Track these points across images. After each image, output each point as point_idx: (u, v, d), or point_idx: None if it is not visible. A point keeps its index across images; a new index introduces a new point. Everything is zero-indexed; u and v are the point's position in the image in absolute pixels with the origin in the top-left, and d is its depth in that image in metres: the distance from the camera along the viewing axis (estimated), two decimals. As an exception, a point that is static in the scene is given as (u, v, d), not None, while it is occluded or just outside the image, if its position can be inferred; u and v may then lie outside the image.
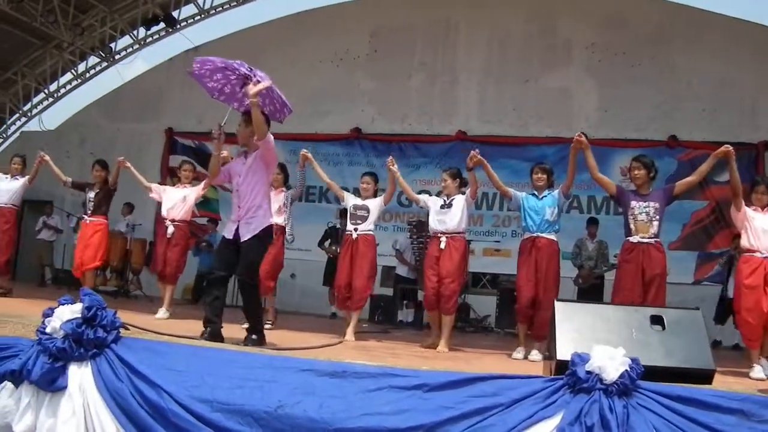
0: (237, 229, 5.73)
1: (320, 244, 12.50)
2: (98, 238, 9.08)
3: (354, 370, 3.20)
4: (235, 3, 16.62)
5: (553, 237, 7.26)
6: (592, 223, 11.82)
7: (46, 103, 18.93)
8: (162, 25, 16.86)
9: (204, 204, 15.79)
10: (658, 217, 6.67)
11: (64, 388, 3.23)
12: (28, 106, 19.04)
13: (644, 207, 6.70)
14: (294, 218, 13.33)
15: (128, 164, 8.97)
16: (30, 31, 16.79)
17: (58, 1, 15.46)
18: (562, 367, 3.77)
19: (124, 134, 16.88)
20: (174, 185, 9.54)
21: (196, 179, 15.55)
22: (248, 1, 16.58)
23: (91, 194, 9.19)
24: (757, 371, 6.26)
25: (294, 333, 7.97)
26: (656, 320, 4.13)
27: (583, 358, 3.51)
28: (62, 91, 18.73)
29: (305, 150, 8.46)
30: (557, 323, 4.05)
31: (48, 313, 3.36)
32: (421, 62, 15.08)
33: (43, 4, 15.25)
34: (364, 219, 7.92)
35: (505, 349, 7.83)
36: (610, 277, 10.94)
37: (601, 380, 3.41)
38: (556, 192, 7.35)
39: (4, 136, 19.46)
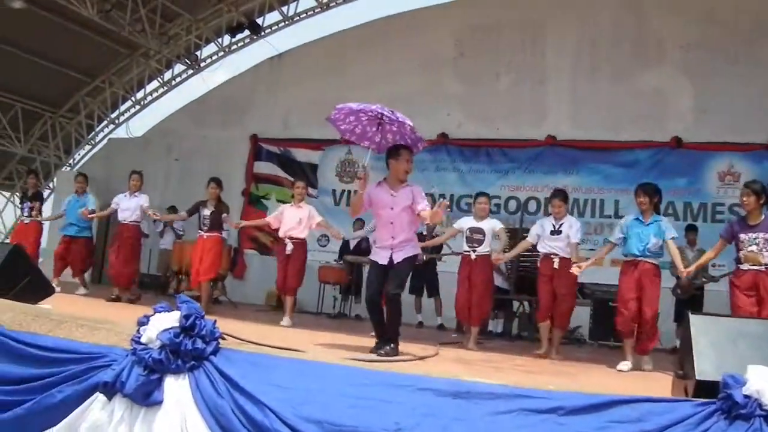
0: (391, 256, 6.24)
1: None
2: (215, 252, 9.92)
3: (478, 390, 2.86)
4: (319, 9, 16.53)
5: (656, 262, 7.37)
6: (692, 230, 11.23)
7: (133, 110, 19.20)
8: (247, 32, 16.88)
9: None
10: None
11: (160, 402, 3.00)
12: (116, 113, 19.39)
13: (753, 239, 6.79)
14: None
15: (243, 223, 10.90)
16: (117, 41, 17.09)
17: (146, 10, 15.62)
18: (703, 388, 3.41)
19: (209, 141, 16.94)
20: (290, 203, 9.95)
21: (279, 184, 15.78)
22: (332, 6, 16.43)
23: (206, 212, 9.88)
24: None
25: (363, 341, 7.68)
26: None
27: (738, 380, 3.12)
28: (149, 98, 18.96)
29: None
30: (693, 338, 3.65)
31: (143, 321, 3.15)
32: (508, 64, 14.62)
33: (131, 14, 15.42)
34: (481, 242, 8.50)
35: (604, 362, 7.82)
36: (711, 288, 10.44)
37: (760, 405, 3.04)
38: (663, 223, 7.42)
39: (93, 142, 19.81)
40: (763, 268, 6.70)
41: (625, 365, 7.11)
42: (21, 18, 15.15)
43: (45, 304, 5.75)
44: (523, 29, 14.61)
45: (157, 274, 15.12)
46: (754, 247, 6.76)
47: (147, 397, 3.00)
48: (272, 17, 17.02)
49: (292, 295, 9.68)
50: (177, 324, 3.07)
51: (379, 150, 6.77)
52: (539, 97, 14.30)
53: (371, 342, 6.73)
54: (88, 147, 19.95)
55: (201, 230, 9.95)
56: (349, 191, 15.35)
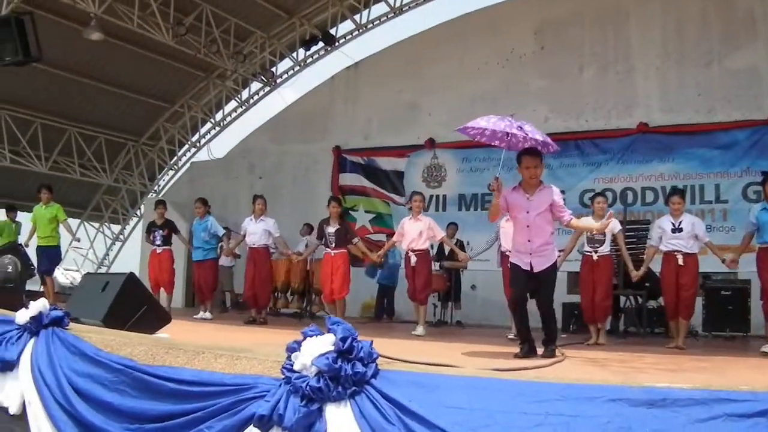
0: (530, 262, 6.28)
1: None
2: (344, 269, 10.13)
3: (675, 397, 2.56)
4: (392, 14, 16.36)
5: None
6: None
7: (213, 132, 19.35)
8: (321, 44, 16.83)
9: (377, 220, 15.65)
10: None
11: (323, 433, 2.81)
12: (196, 136, 19.58)
13: None
14: (471, 228, 13.04)
15: (381, 252, 11.00)
16: (193, 64, 17.29)
17: (219, 31, 15.71)
18: None
19: (291, 156, 16.96)
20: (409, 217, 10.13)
21: (365, 195, 15.65)
22: (405, 10, 16.25)
23: (331, 229, 10.19)
24: None
25: (498, 347, 7.41)
26: None
27: None
28: (227, 119, 19.07)
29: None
30: None
31: (294, 348, 2.93)
32: (592, 54, 14.18)
33: (205, 36, 15.52)
34: (602, 242, 8.81)
35: (734, 353, 8.08)
36: None
37: None
38: None
39: (176, 167, 20.04)
40: None
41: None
42: (98, 50, 15.38)
43: (163, 333, 5.65)
44: (605, 18, 14.18)
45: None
46: None
47: (309, 429, 2.76)
48: (345, 27, 16.98)
49: (424, 304, 9.97)
50: (332, 348, 2.83)
51: (509, 148, 6.77)
52: (627, 85, 13.85)
53: (506, 348, 6.91)
54: (171, 172, 20.19)
55: (327, 248, 10.22)
56: (437, 196, 15.15)
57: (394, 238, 10.34)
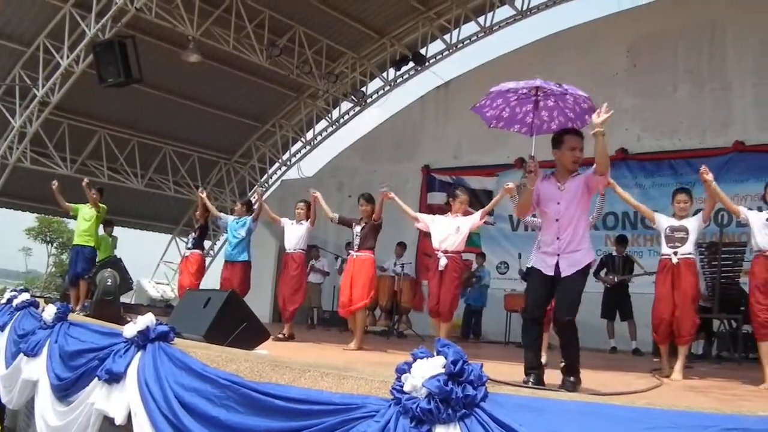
0: (557, 264, 5.15)
1: (596, 273, 11.59)
2: (366, 274, 8.80)
3: None
4: (482, 34, 16.40)
5: None
6: None
7: (303, 151, 19.65)
8: (411, 64, 16.96)
9: (466, 240, 15.55)
10: None
11: (433, 455, 2.82)
12: (287, 155, 19.91)
13: None
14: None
15: (392, 195, 8.80)
16: (285, 84, 17.66)
17: (311, 52, 15.98)
18: None
19: (380, 175, 17.01)
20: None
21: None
22: (495, 30, 16.24)
23: (358, 229, 9.06)
24: None
25: (590, 372, 7.04)
26: None
27: None
28: (318, 138, 19.35)
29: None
30: None
31: (404, 369, 2.95)
32: (686, 71, 13.91)
33: (298, 56, 15.82)
34: (684, 241, 7.05)
35: None
36: None
37: None
38: None
39: (266, 185, 20.37)
40: None
41: None
42: (194, 71, 15.83)
43: (261, 350, 5.74)
44: (699, 34, 13.89)
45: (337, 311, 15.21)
46: None
47: (419, 451, 2.80)
48: (435, 47, 17.07)
49: (447, 321, 8.18)
50: (443, 370, 2.85)
51: (530, 133, 5.78)
52: (722, 103, 13.52)
53: (600, 373, 6.22)
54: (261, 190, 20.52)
55: (351, 250, 9.23)
56: (527, 216, 15.00)
57: (419, 215, 8.81)
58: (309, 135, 19.46)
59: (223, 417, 3.77)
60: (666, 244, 7.19)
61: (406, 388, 2.92)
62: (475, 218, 8.38)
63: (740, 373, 7.92)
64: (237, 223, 10.68)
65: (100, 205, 11.55)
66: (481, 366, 2.91)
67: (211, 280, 14.47)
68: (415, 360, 2.96)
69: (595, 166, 5.09)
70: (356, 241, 8.99)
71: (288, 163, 19.99)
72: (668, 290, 7.01)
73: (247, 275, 10.56)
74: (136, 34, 13.63)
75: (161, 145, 18.44)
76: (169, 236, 21.58)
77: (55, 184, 11.18)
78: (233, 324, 5.74)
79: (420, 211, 15.69)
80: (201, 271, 11.42)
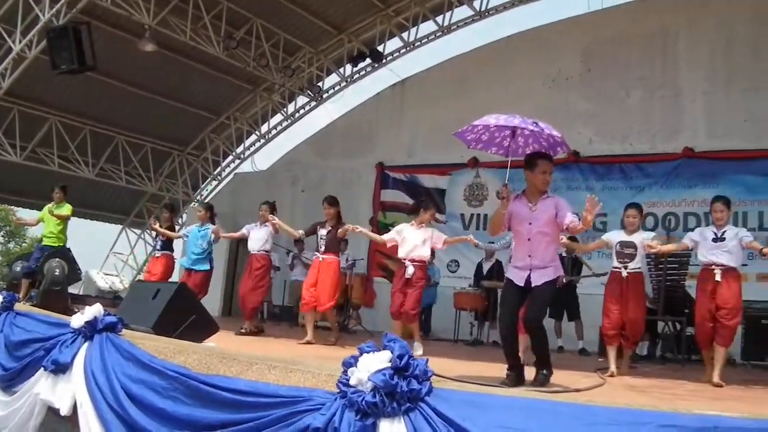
0: (528, 276, 5.65)
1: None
2: (332, 277, 9.21)
3: (726, 425, 2.56)
4: (440, 33, 16.48)
5: None
6: None
7: (257, 144, 19.57)
8: (368, 61, 16.98)
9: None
10: None
11: (377, 448, 2.87)
12: (241, 148, 19.83)
13: None
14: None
15: (360, 228, 9.13)
16: (241, 77, 17.58)
17: (268, 45, 15.93)
18: None
19: (334, 171, 17.08)
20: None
21: (404, 212, 15.69)
22: (453, 29, 16.34)
23: (323, 232, 9.33)
24: None
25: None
26: None
27: None
28: (273, 132, 19.27)
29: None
30: None
31: (350, 363, 2.99)
32: (638, 78, 14.14)
33: (255, 49, 15.75)
34: (633, 257, 7.66)
35: None
36: None
37: None
38: None
39: (219, 178, 20.29)
40: None
41: None
42: (150, 61, 15.68)
43: (210, 342, 5.74)
44: (652, 42, 14.13)
45: (288, 306, 15.21)
46: None
47: (364, 443, 2.84)
48: (393, 44, 17.11)
49: (414, 322, 8.93)
50: (389, 364, 2.90)
51: (506, 155, 6.14)
52: (673, 109, 13.76)
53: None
54: (214, 182, 20.47)
55: (317, 252, 9.41)
56: (478, 215, 15.19)
57: (386, 238, 9.04)
58: (264, 128, 19.33)
59: (170, 408, 3.78)
60: (616, 258, 7.75)
61: (352, 382, 2.96)
62: (439, 240, 8.89)
63: (682, 374, 8.14)
64: (199, 231, 10.86)
65: (66, 204, 11.62)
66: (427, 361, 2.96)
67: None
68: (361, 354, 3.00)
69: (572, 226, 5.57)
70: (321, 243, 9.31)
71: (242, 156, 19.88)
72: (617, 300, 7.66)
73: (206, 282, 10.79)
74: (92, 20, 13.44)
75: (114, 135, 18.19)
76: (120, 227, 21.33)
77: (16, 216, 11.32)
78: (182, 316, 5.73)
79: (374, 209, 15.90)
80: (169, 273, 11.48)
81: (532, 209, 5.66)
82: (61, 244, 11.57)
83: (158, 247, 11.65)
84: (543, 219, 5.64)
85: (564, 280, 11.69)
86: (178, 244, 11.76)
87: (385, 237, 9.11)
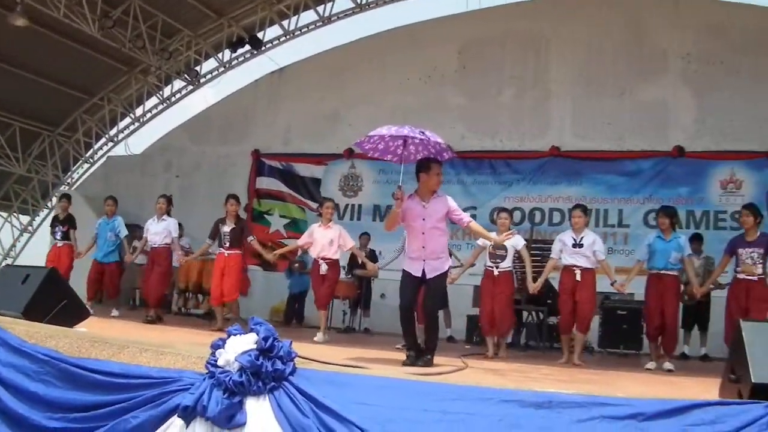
0: (423, 269, 6.45)
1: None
2: (236, 271, 9.81)
3: (560, 400, 2.94)
4: (320, 23, 16.59)
5: (675, 273, 8.41)
6: (697, 238, 11.35)
7: (132, 128, 19.15)
8: (247, 47, 16.92)
9: (292, 225, 15.82)
10: (761, 261, 8.03)
11: (243, 424, 3.04)
12: (114, 130, 19.32)
13: (750, 253, 8.11)
14: (384, 238, 13.26)
15: (278, 252, 10.43)
16: (116, 58, 17.13)
17: (146, 26, 15.63)
18: (758, 390, 3.62)
19: (209, 157, 16.99)
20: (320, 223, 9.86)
21: (282, 200, 15.82)
22: (333, 20, 16.49)
23: (226, 228, 9.78)
24: None
25: (403, 355, 7.64)
26: None
27: None
28: (148, 115, 18.91)
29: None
30: (747, 345, 3.81)
31: (218, 345, 3.16)
32: (510, 77, 14.72)
33: (132, 30, 15.43)
34: (503, 258, 8.80)
35: (623, 368, 8.44)
36: (718, 294, 10.51)
37: None
38: (682, 240, 8.46)
39: (91, 161, 19.74)
40: (755, 278, 8.03)
41: (651, 364, 8.26)
42: (20, 36, 15.12)
43: (81, 328, 5.75)
44: (526, 42, 14.74)
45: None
46: (749, 260, 8.08)
47: (230, 420, 3.01)
48: (273, 32, 17.10)
49: (325, 310, 9.83)
50: (255, 346, 3.09)
51: (400, 161, 6.89)
52: (542, 109, 14.42)
53: (401, 355, 6.87)
54: (86, 165, 19.87)
55: (222, 247, 9.83)
56: (353, 205, 15.43)
57: (300, 243, 10.00)
58: (138, 111, 18.89)
59: (42, 392, 3.84)
60: (489, 259, 8.85)
61: (220, 363, 3.15)
62: (346, 245, 9.73)
63: (542, 360, 8.78)
64: (107, 224, 11.11)
65: None
66: (290, 343, 3.17)
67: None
68: (229, 337, 3.19)
69: (466, 225, 6.76)
70: (226, 239, 9.77)
71: (115, 139, 19.36)
72: (489, 295, 8.82)
73: (120, 274, 11.43)
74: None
75: (-21, 113, 17.50)
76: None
77: None
78: (53, 301, 5.71)
79: (249, 196, 15.90)
80: (71, 264, 11.38)
81: (426, 207, 6.45)
82: None
83: (59, 237, 11.46)
84: (435, 216, 6.46)
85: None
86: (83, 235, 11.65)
87: (299, 242, 10.01)
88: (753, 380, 3.67)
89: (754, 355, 3.75)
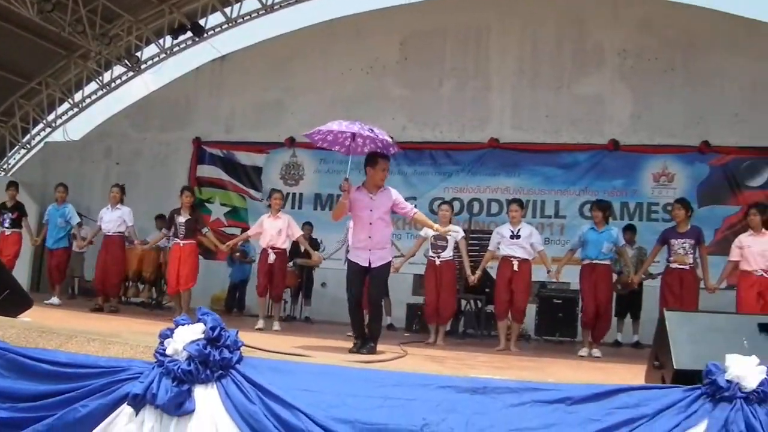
0: (369, 258, 6.73)
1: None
2: (192, 261, 10.07)
3: (494, 386, 3.17)
4: (263, 12, 16.54)
5: (608, 262, 8.96)
6: (630, 229, 11.73)
7: (70, 113, 18.85)
8: (189, 34, 16.79)
9: (233, 213, 15.83)
10: (692, 251, 8.58)
11: (192, 411, 3.14)
12: (53, 116, 18.95)
13: (682, 243, 8.62)
14: (325, 228, 13.38)
15: (231, 243, 10.82)
16: (55, 41, 16.79)
17: (86, 10, 15.40)
18: (680, 376, 3.83)
19: (150, 144, 16.88)
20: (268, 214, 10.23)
21: (222, 188, 15.80)
22: (276, 9, 16.48)
23: (182, 219, 10.01)
24: None
25: (344, 343, 7.76)
26: (764, 328, 4.11)
27: (719, 368, 3.56)
28: (87, 101, 18.63)
29: None
30: (670, 332, 4.02)
31: (167, 334, 3.27)
32: (452, 69, 14.95)
33: (71, 14, 15.19)
34: (444, 248, 9.28)
35: (558, 355, 8.96)
36: (650, 284, 10.87)
37: (740, 389, 3.47)
38: (615, 231, 9.00)
39: (28, 146, 19.39)
40: (687, 267, 8.56)
41: (584, 351, 8.74)
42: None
43: (25, 317, 5.76)
44: (467, 35, 14.97)
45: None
46: (681, 250, 8.58)
47: (179, 407, 3.12)
48: (215, 19, 16.98)
49: (279, 301, 10.45)
50: (202, 335, 3.20)
51: (347, 153, 7.20)
52: (482, 101, 14.68)
53: (347, 343, 7.16)
54: (23, 151, 19.49)
55: (177, 238, 10.10)
56: (293, 194, 15.47)
57: (250, 233, 10.46)
58: (77, 97, 18.56)
59: (-11, 382, 3.87)
60: (431, 249, 9.39)
61: (168, 352, 3.25)
62: (294, 235, 10.14)
63: (480, 347, 9.06)
64: (57, 211, 11.34)
65: None
66: (237, 332, 3.29)
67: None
68: (177, 326, 3.29)
69: (412, 217, 7.14)
70: (181, 230, 10.02)
71: (53, 124, 19.01)
72: (433, 284, 9.36)
73: (68, 260, 11.85)
74: None
75: None
76: None
77: None
78: (-6, 291, 5.70)
79: (190, 184, 15.84)
80: (18, 252, 11.42)
81: (373, 198, 6.72)
82: None
83: (7, 224, 11.38)
84: (382, 208, 6.74)
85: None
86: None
87: (250, 232, 10.51)
88: (675, 366, 3.89)
89: (676, 343, 3.96)
